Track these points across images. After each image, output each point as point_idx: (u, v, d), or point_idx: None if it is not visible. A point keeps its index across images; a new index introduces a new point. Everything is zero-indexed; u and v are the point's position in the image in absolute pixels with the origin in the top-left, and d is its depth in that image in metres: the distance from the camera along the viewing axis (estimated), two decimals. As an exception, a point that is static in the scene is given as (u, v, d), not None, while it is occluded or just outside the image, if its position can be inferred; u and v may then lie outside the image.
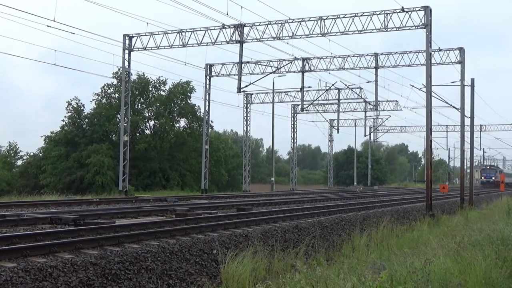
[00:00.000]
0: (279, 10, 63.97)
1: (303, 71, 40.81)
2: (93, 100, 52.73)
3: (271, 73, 39.94)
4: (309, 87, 46.18)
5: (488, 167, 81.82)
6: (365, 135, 66.11)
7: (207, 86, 40.40)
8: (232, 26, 31.82)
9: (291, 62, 40.10)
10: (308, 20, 30.89)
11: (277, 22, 31.49)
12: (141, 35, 33.53)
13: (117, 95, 50.52)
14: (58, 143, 49.85)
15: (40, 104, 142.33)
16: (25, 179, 50.66)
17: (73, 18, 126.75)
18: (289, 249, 12.59)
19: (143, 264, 9.30)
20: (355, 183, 70.41)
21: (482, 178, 76.94)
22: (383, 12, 29.22)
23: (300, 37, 31.47)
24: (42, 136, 51.90)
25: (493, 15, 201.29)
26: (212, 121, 50.48)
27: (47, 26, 25.57)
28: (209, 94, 40.29)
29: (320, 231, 15.08)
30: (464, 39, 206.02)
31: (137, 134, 52.95)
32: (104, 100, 52.66)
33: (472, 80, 34.49)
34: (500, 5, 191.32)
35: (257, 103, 50.94)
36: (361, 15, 29.63)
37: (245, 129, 50.97)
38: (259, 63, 39.94)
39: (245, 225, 13.68)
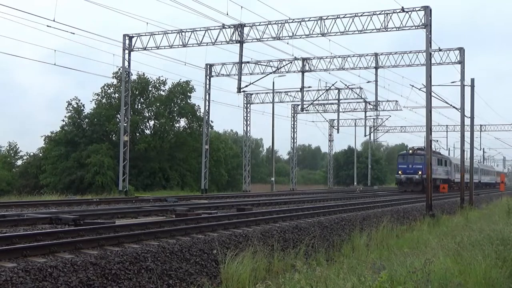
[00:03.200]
0: (279, 10, 64.08)
1: (303, 71, 40.80)
2: (93, 100, 52.90)
3: (271, 73, 39.92)
4: (309, 87, 46.24)
5: (410, 152, 45.24)
6: (365, 135, 66.08)
7: (207, 86, 40.42)
8: (232, 26, 31.81)
9: (291, 62, 40.08)
10: (308, 20, 30.88)
11: (277, 22, 31.49)
12: (141, 35, 33.54)
13: (117, 95, 50.56)
14: (58, 143, 49.88)
15: (44, 104, 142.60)
16: (25, 179, 50.70)
17: (73, 18, 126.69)
18: (289, 249, 12.58)
19: (143, 264, 9.30)
20: (355, 183, 70.36)
21: (400, 172, 44.64)
22: (383, 12, 29.21)
23: (300, 37, 31.46)
24: (42, 136, 52.06)
25: (502, 15, 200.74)
26: (212, 121, 50.61)
27: (47, 26, 25.58)
28: (209, 94, 40.32)
29: (320, 231, 15.09)
30: (472, 39, 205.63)
31: (137, 134, 52.97)
32: (104, 100, 52.70)
33: (472, 80, 34.51)
34: (507, 4, 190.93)
35: (257, 103, 50.94)
36: (361, 15, 29.62)
37: (245, 129, 50.97)
38: (259, 63, 39.93)
39: (245, 225, 13.69)
